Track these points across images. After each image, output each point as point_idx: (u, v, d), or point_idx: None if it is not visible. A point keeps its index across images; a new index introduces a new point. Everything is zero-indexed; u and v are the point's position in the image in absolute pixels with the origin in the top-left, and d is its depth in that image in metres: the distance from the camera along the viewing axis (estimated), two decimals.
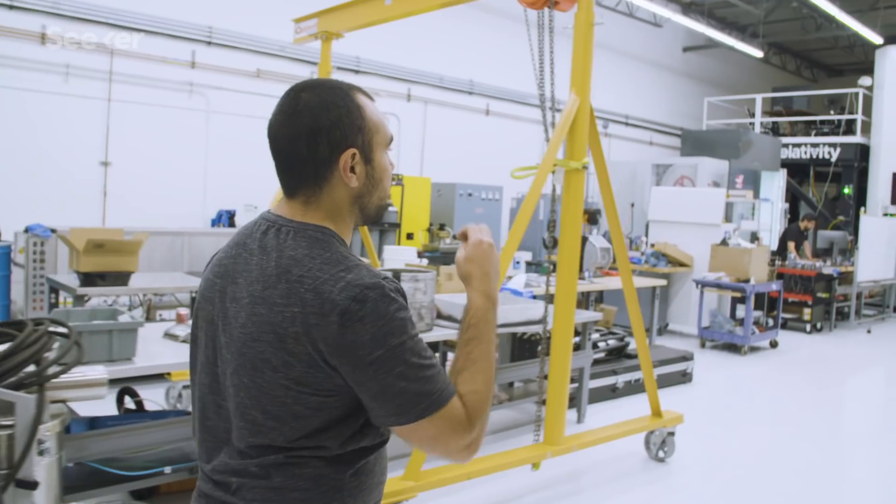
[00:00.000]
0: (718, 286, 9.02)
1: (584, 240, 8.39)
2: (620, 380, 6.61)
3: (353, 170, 1.39)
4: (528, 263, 9.44)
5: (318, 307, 1.27)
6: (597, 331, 7.44)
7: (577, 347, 6.00)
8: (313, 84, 1.41)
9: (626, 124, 16.77)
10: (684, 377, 7.35)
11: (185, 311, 4.17)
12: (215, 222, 10.28)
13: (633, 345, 7.89)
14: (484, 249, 1.48)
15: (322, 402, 1.30)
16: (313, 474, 1.34)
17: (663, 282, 8.51)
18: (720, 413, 6.70)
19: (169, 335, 3.96)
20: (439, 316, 4.47)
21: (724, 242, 9.36)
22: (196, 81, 10.21)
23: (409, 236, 10.27)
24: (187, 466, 3.69)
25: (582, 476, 4.93)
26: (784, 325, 11.35)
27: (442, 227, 10.02)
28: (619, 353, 6.97)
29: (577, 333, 6.14)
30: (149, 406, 4.53)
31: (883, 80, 15.35)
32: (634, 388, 6.79)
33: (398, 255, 6.08)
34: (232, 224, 10.06)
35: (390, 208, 9.38)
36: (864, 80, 15.65)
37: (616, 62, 16.46)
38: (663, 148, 17.61)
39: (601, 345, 6.85)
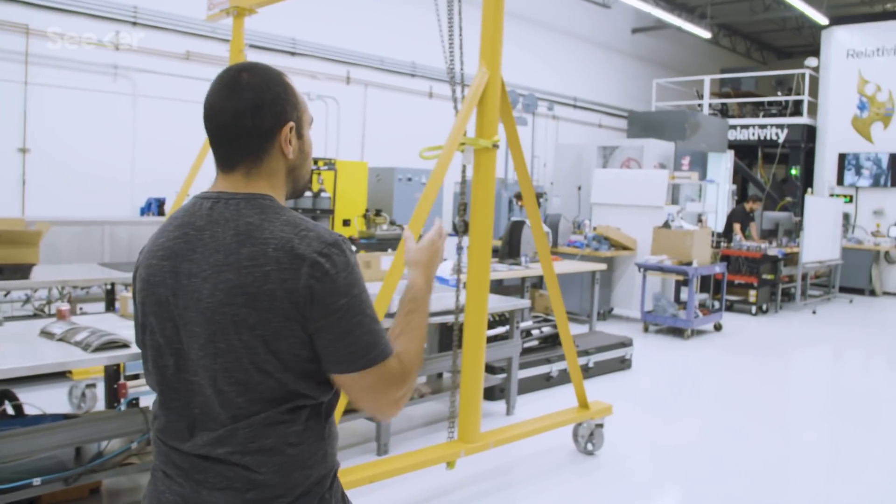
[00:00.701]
0: (660, 269, 8.86)
1: (522, 223, 8.17)
2: (555, 368, 6.39)
3: (290, 141, 1.52)
4: None
5: (289, 263, 1.37)
6: (533, 317, 7.24)
7: (505, 336, 5.78)
8: (250, 66, 1.52)
9: (575, 107, 16.60)
10: (623, 364, 7.17)
11: (66, 307, 3.83)
12: (144, 211, 9.85)
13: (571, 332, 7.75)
14: (437, 247, 1.73)
15: (298, 353, 1.40)
16: (300, 429, 1.44)
17: (603, 266, 8.32)
18: (658, 400, 6.53)
19: (45, 333, 3.62)
20: None
21: (666, 225, 9.20)
22: (121, 64, 9.75)
23: (346, 223, 9.96)
24: (61, 476, 3.38)
25: (509, 471, 4.70)
26: (730, 308, 11.28)
27: (378, 213, 9.72)
28: (554, 341, 6.75)
29: (505, 321, 5.91)
30: (50, 408, 4.18)
31: (829, 61, 15.36)
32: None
33: None
34: (161, 213, 9.66)
35: (322, 194, 9.10)
36: (811, 61, 15.64)
37: (564, 44, 16.27)
38: (613, 130, 17.47)
39: (535, 332, 6.63)
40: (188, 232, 1.47)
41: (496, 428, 4.73)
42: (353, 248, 1.53)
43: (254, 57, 11.29)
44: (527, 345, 6.33)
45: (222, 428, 1.43)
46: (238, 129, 1.47)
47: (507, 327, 5.67)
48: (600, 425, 4.91)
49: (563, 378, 6.45)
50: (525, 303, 5.68)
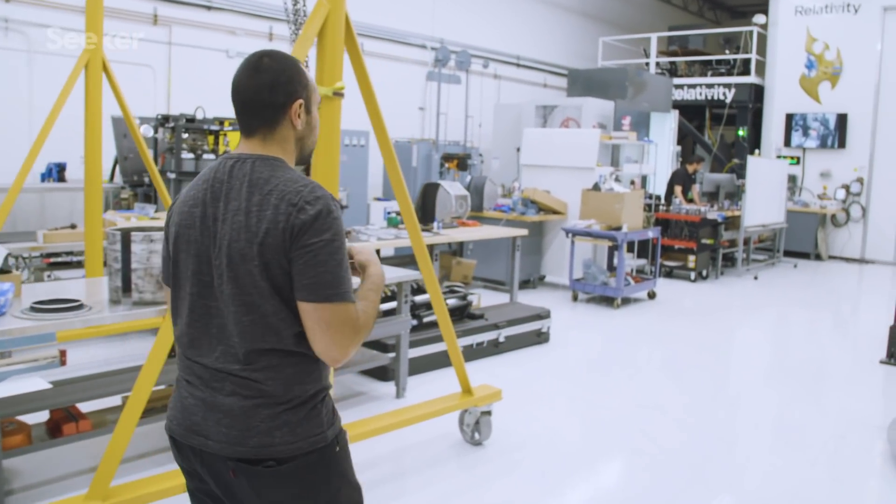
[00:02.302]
0: (588, 234, 8.30)
1: (436, 186, 7.55)
2: (461, 343, 5.81)
3: (299, 115, 1.82)
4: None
5: (284, 208, 1.67)
6: (449, 288, 6.65)
7: (392, 312, 5.19)
8: (271, 53, 1.83)
9: (518, 65, 15.91)
10: (539, 337, 6.62)
11: None
12: (45, 177, 9.02)
13: (484, 301, 7.18)
14: (371, 248, 2.27)
15: (285, 282, 1.70)
16: (297, 350, 1.74)
17: (523, 231, 7.69)
18: (570, 378, 5.98)
19: None
20: None
21: (595, 187, 8.62)
22: (12, 17, 8.89)
23: None
24: None
25: (394, 460, 4.14)
26: (668, 274, 10.82)
27: None
28: (461, 314, 6.18)
29: (392, 296, 5.31)
30: None
31: (777, 18, 14.81)
32: (479, 352, 6.03)
33: None
34: (62, 178, 8.85)
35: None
36: (759, 18, 15.10)
37: (506, 0, 15.54)
38: (558, 91, 16.81)
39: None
40: (214, 185, 1.79)
41: (379, 413, 4.22)
42: (339, 209, 1.74)
43: (167, 11, 10.48)
44: (429, 319, 5.73)
45: (235, 345, 1.73)
46: (257, 103, 1.78)
47: (395, 302, 5.06)
48: (487, 413, 4.34)
49: (471, 354, 5.89)
50: (414, 274, 5.05)
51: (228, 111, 8.56)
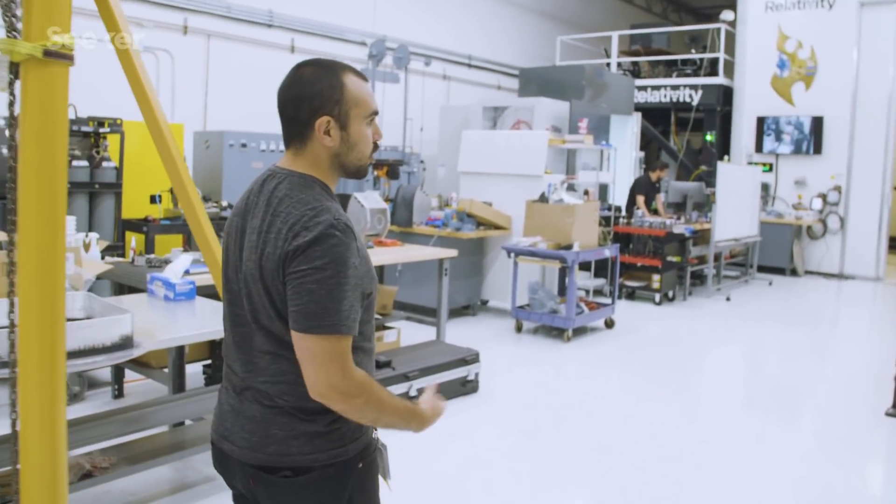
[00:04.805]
0: (533, 254, 7.04)
1: (347, 198, 6.26)
2: None
3: (328, 133, 1.73)
4: None
5: (284, 234, 1.64)
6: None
7: None
8: (314, 62, 1.78)
9: (469, 66, 14.67)
10: (465, 387, 5.33)
11: None
12: None
13: (406, 337, 5.90)
14: (438, 411, 1.88)
15: (283, 307, 1.67)
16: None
17: (452, 252, 6.34)
18: (497, 444, 4.69)
19: None
20: None
21: (542, 198, 7.36)
22: None
23: (156, 199, 7.83)
24: None
25: None
26: (631, 295, 9.60)
27: None
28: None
29: None
30: None
31: (746, 15, 13.73)
32: None
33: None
34: None
35: (105, 164, 7.06)
36: (727, 15, 14.00)
37: None
38: (513, 93, 15.58)
39: None
40: (249, 198, 1.81)
41: None
42: (345, 233, 1.63)
43: None
44: None
45: (256, 357, 1.74)
46: (286, 117, 1.76)
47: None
48: None
49: None
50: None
51: (111, 110, 6.96)
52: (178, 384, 4.24)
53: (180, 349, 4.23)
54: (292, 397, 1.68)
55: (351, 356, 1.64)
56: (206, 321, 3.74)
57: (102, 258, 4.94)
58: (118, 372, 5.08)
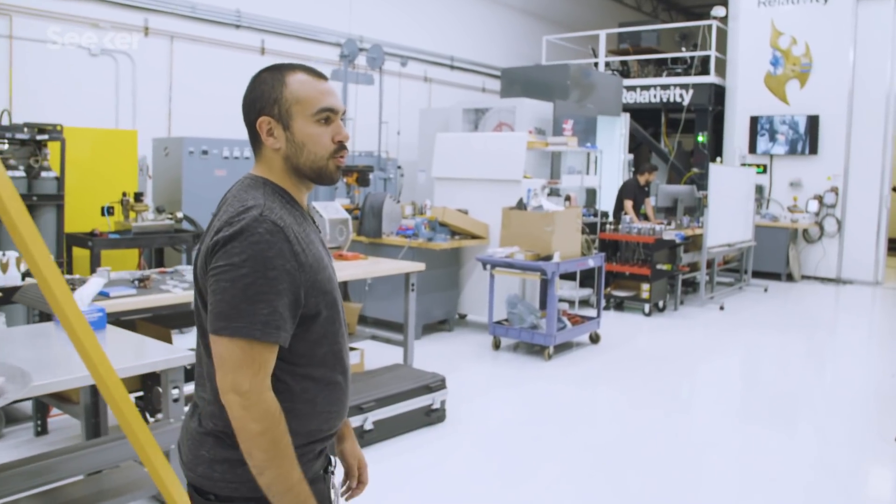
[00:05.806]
0: (509, 266, 6.52)
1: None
2: None
3: (271, 134, 1.64)
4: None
5: (215, 230, 1.53)
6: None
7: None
8: (270, 66, 1.70)
9: (452, 67, 14.16)
10: (430, 416, 4.79)
11: None
12: None
13: (370, 359, 5.35)
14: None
15: None
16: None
17: (419, 266, 5.78)
18: (463, 482, 4.17)
19: None
20: None
21: (519, 205, 6.84)
22: None
23: (108, 211, 7.30)
24: None
25: None
26: (619, 306, 9.08)
27: (139, 199, 7.12)
28: None
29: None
30: None
31: (738, 11, 13.25)
32: None
33: None
34: None
35: (44, 174, 6.52)
36: (718, 11, 13.50)
37: None
38: (498, 95, 15.10)
39: None
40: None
41: None
42: (272, 232, 1.50)
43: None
44: None
45: (203, 367, 1.62)
46: (245, 122, 1.69)
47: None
48: None
49: None
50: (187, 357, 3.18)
51: (51, 115, 6.33)
52: (94, 426, 3.70)
53: (94, 387, 3.69)
54: (221, 421, 1.55)
55: (269, 372, 1.50)
56: (115, 356, 3.20)
57: (23, 279, 4.42)
58: (39, 406, 4.54)
